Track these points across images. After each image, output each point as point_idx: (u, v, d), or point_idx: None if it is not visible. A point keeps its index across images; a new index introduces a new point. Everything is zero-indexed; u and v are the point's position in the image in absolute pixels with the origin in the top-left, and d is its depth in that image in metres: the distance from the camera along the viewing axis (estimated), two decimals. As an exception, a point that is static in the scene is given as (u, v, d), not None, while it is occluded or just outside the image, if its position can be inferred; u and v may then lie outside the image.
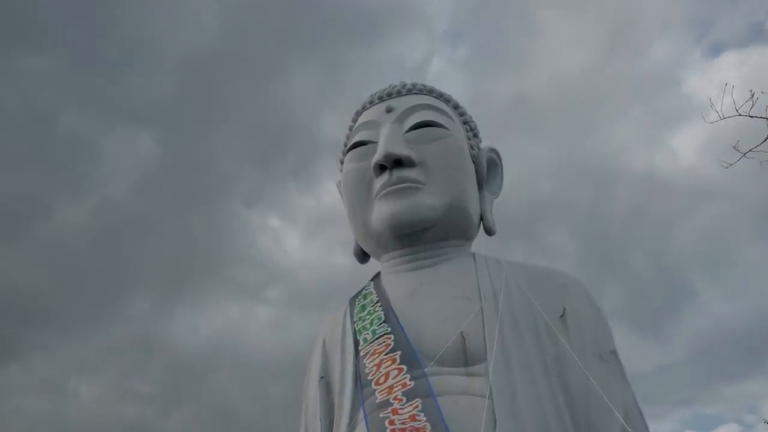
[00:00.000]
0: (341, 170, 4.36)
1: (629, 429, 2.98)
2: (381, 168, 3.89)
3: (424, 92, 4.31)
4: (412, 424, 2.85)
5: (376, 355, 3.29)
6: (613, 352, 3.43)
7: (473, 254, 4.01)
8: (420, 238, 3.83)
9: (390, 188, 3.78)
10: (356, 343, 3.50)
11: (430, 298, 3.53)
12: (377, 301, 3.71)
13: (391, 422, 2.89)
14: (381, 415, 3.01)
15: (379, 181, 3.89)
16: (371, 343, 3.40)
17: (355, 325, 3.63)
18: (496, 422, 2.84)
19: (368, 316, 3.61)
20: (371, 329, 3.48)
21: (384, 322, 3.48)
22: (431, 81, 4.46)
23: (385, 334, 3.39)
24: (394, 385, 3.12)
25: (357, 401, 3.19)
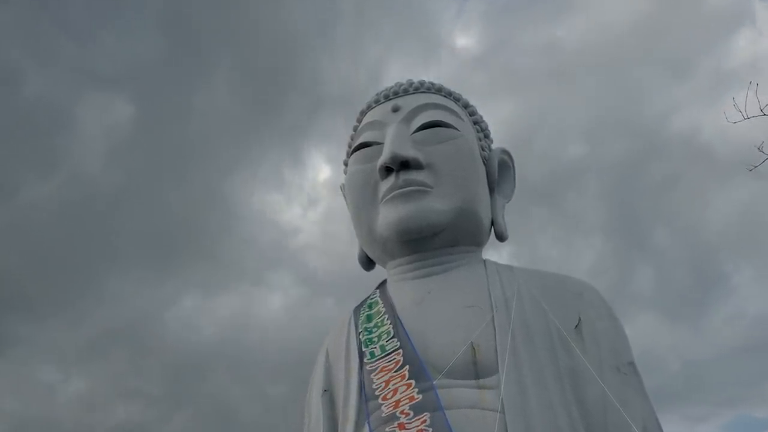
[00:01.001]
0: (345, 173, 4.27)
1: None
2: (387, 170, 3.80)
3: (433, 90, 4.21)
4: None
5: (385, 373, 3.21)
6: (632, 364, 3.34)
7: (484, 261, 3.92)
8: (428, 244, 3.77)
9: (396, 192, 3.72)
10: (361, 354, 3.41)
11: (439, 308, 3.48)
12: (384, 312, 3.61)
13: None
14: (387, 429, 2.95)
15: (385, 185, 3.80)
16: (380, 359, 3.31)
17: (361, 336, 3.53)
18: None
19: (375, 329, 3.52)
20: (379, 344, 3.39)
21: (393, 336, 3.39)
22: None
23: (394, 350, 3.30)
24: (402, 399, 3.04)
25: (362, 414, 3.17)
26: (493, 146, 4.31)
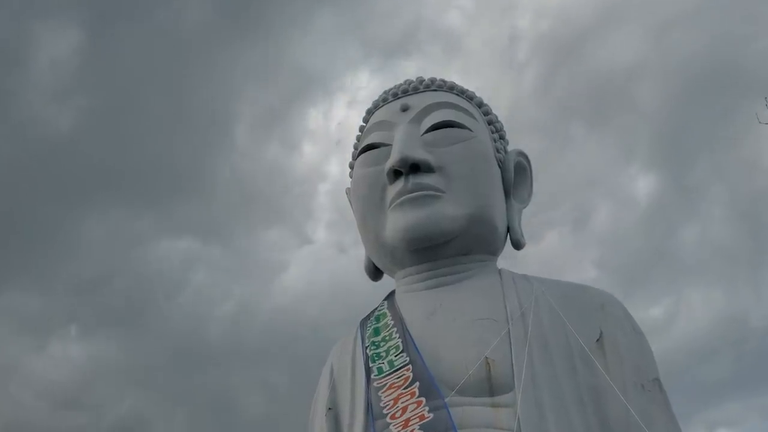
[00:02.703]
0: (351, 176, 4.13)
1: None
2: (396, 174, 3.68)
3: (444, 88, 4.09)
4: None
5: (394, 390, 3.09)
6: (656, 381, 3.24)
7: (499, 270, 3.79)
8: (439, 252, 3.66)
9: (406, 196, 3.60)
10: (368, 370, 3.30)
11: (451, 320, 3.37)
12: (393, 325, 3.50)
13: None
14: None
15: (394, 189, 3.67)
16: (388, 375, 3.20)
17: (368, 350, 3.42)
18: None
19: (383, 343, 3.40)
20: (387, 359, 3.28)
21: (402, 351, 3.28)
22: None
23: (403, 366, 3.19)
24: (411, 418, 2.93)
25: None
26: (509, 148, 4.19)
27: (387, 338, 3.42)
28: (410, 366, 3.15)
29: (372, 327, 3.59)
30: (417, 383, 3.06)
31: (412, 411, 2.95)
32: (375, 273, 4.15)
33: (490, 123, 4.10)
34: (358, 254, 4.24)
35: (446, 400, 2.93)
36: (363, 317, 3.81)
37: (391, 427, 2.93)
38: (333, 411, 3.38)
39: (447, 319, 3.39)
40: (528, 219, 4.11)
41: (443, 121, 3.79)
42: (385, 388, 3.13)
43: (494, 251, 3.89)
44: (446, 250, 3.64)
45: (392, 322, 3.52)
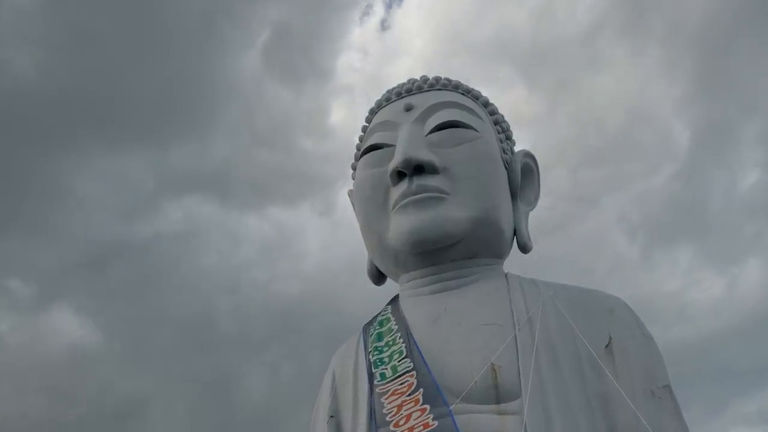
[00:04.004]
0: (353, 177, 4.09)
1: None
2: (399, 175, 3.62)
3: (449, 87, 4.04)
4: None
5: (397, 396, 3.04)
6: (667, 387, 3.17)
7: (506, 274, 3.74)
8: (444, 256, 3.60)
9: (410, 198, 3.54)
10: (371, 376, 3.25)
11: (456, 326, 3.32)
12: (396, 330, 3.44)
13: None
14: None
15: (397, 191, 3.61)
16: (391, 381, 3.14)
17: (370, 356, 3.37)
18: None
19: (386, 348, 3.35)
20: (391, 365, 3.23)
21: (406, 356, 3.22)
22: None
23: (407, 371, 3.13)
24: (415, 426, 2.88)
25: None
26: (516, 148, 4.14)
27: (390, 343, 3.37)
28: (414, 372, 3.10)
29: (375, 332, 3.54)
30: (421, 390, 3.01)
31: (417, 418, 2.90)
32: (378, 277, 4.09)
33: (496, 123, 4.06)
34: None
35: (451, 407, 2.89)
36: (366, 322, 3.76)
37: None
38: (335, 419, 3.33)
39: (452, 324, 3.34)
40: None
41: (448, 121, 3.74)
42: (388, 395, 3.08)
43: (500, 254, 3.84)
44: (451, 254, 3.59)
45: (396, 327, 3.47)
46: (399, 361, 3.21)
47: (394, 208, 3.62)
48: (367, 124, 4.15)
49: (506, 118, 4.19)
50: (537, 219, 4.16)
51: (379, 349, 3.37)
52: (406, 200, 3.54)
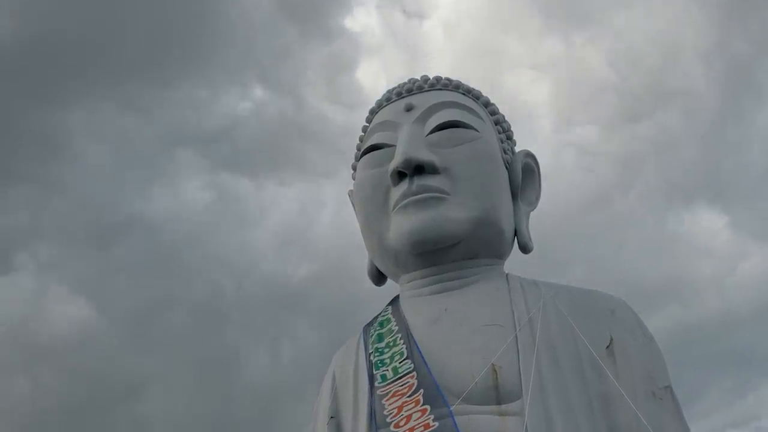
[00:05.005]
0: (354, 178, 4.09)
1: None
2: (400, 175, 3.61)
3: (450, 87, 4.02)
4: None
5: (398, 398, 3.04)
6: (668, 388, 3.20)
7: (506, 275, 3.74)
8: (444, 256, 3.59)
9: (410, 199, 3.53)
10: (371, 378, 3.25)
11: (457, 326, 3.32)
12: (397, 331, 3.44)
13: None
14: None
15: (398, 191, 3.60)
16: (392, 382, 3.15)
17: (371, 357, 3.36)
18: None
19: (387, 350, 3.35)
20: (391, 366, 3.23)
21: (407, 358, 3.22)
22: None
23: (407, 373, 3.13)
24: (416, 427, 2.89)
25: None
26: (517, 148, 4.14)
27: (391, 344, 3.37)
28: (414, 373, 3.11)
29: (375, 333, 3.54)
30: (421, 390, 3.01)
31: (417, 419, 2.90)
32: (378, 277, 4.08)
33: (497, 123, 4.05)
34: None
35: (452, 408, 2.90)
36: (366, 323, 3.75)
37: None
38: (335, 420, 3.33)
39: (452, 324, 3.33)
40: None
41: (449, 121, 3.73)
42: (388, 396, 3.08)
43: (501, 255, 3.83)
44: (452, 254, 3.58)
45: (396, 328, 3.46)
46: (400, 363, 3.21)
47: (394, 208, 3.62)
48: (368, 124, 4.14)
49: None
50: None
51: (380, 350, 3.37)
52: (406, 200, 3.54)
